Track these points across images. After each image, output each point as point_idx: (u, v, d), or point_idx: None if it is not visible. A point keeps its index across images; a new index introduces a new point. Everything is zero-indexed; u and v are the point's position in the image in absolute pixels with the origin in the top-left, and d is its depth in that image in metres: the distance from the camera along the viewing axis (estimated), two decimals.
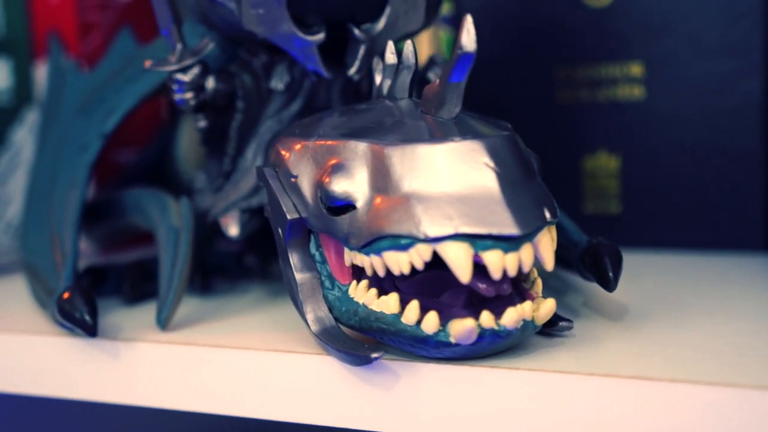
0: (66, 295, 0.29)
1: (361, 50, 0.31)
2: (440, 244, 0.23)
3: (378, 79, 0.29)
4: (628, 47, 0.40)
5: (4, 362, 0.31)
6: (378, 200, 0.24)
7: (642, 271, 0.36)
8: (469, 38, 0.22)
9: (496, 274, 0.23)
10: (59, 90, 0.39)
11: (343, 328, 0.27)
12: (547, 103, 0.42)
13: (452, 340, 0.24)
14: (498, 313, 0.24)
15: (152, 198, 0.33)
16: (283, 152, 0.27)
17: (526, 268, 0.23)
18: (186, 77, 0.30)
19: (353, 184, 0.25)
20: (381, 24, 0.31)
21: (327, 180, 0.25)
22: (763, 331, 0.26)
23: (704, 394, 0.21)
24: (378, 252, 0.24)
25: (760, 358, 0.23)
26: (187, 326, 0.31)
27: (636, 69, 0.40)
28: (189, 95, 0.30)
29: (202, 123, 0.32)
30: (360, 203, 0.24)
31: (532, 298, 0.25)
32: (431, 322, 0.24)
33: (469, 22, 0.22)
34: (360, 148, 0.25)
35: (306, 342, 0.28)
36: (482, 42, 0.42)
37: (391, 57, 0.28)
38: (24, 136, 0.47)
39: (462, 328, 0.23)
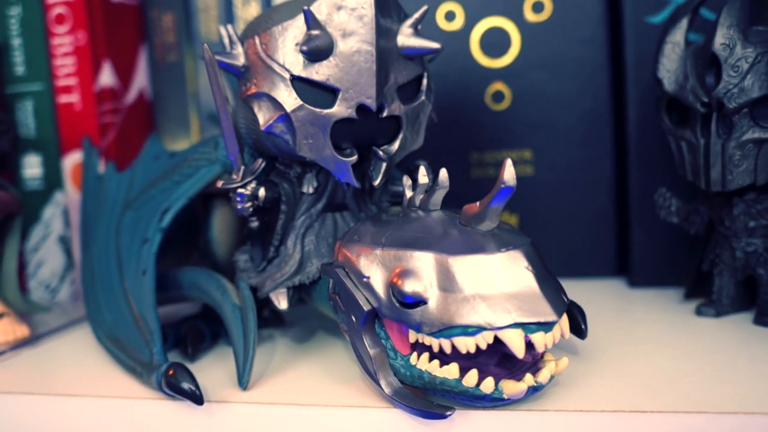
0: (171, 372, 0.32)
1: (383, 167, 0.35)
2: (502, 331, 0.27)
3: (408, 193, 0.34)
4: (521, 138, 0.51)
5: (105, 426, 0.34)
6: (446, 298, 0.28)
7: None
8: (510, 176, 0.27)
9: (540, 349, 0.28)
10: (99, 186, 0.46)
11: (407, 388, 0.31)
12: (463, 179, 0.52)
13: (505, 396, 0.28)
14: (533, 372, 0.29)
15: (210, 278, 0.38)
16: (351, 256, 0.31)
17: (555, 343, 0.28)
18: (247, 191, 0.35)
19: (423, 286, 0.28)
20: (395, 146, 0.35)
21: (400, 282, 0.29)
22: (680, 357, 0.34)
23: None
24: (448, 336, 0.28)
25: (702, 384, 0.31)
26: (258, 384, 0.34)
27: (527, 154, 0.51)
28: (248, 205, 0.35)
29: (255, 224, 0.37)
30: (430, 300, 0.28)
31: (546, 359, 0.30)
32: (489, 385, 0.28)
33: (509, 164, 0.27)
34: (426, 257, 0.29)
35: (368, 395, 0.32)
36: None
37: (423, 178, 0.33)
38: (51, 212, 0.55)
39: (516, 389, 0.28)
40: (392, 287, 0.29)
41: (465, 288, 0.28)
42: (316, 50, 0.33)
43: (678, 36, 0.38)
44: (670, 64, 0.38)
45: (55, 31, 0.53)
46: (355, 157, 0.34)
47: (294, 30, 0.34)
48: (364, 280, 0.30)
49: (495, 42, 0.50)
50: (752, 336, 0.37)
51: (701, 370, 0.33)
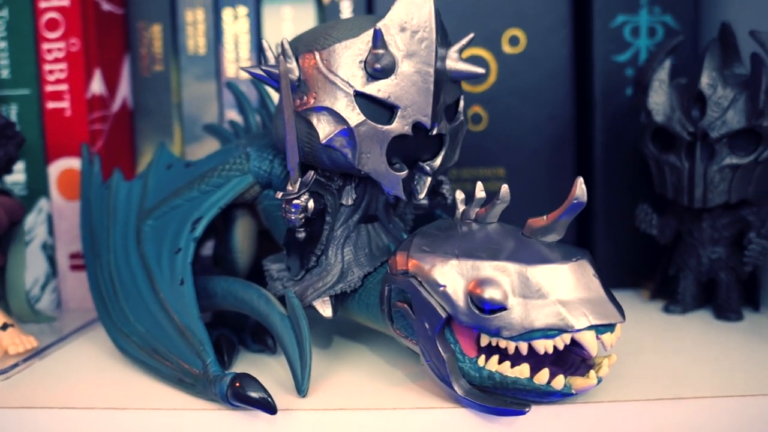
0: (237, 384, 0.31)
1: (428, 181, 0.36)
2: (579, 333, 0.29)
3: (461, 206, 0.35)
4: (496, 157, 0.53)
5: None
6: (526, 304, 0.29)
7: None
8: (582, 192, 0.29)
9: (608, 348, 0.29)
10: (106, 193, 0.43)
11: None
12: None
13: (574, 391, 0.30)
14: (583, 368, 0.30)
15: (249, 288, 0.37)
16: (425, 266, 0.31)
17: (615, 342, 0.30)
18: (301, 202, 0.35)
19: (502, 294, 0.29)
20: (438, 161, 0.36)
21: (479, 291, 0.29)
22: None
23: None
24: (528, 339, 0.29)
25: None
26: (316, 390, 0.34)
27: (501, 171, 0.54)
28: (301, 215, 0.35)
29: (302, 234, 0.36)
30: (510, 307, 0.29)
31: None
32: (560, 381, 0.29)
33: (581, 182, 0.29)
34: (505, 266, 0.30)
35: (427, 396, 0.33)
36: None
37: (481, 193, 0.34)
38: (34, 219, 0.51)
39: (586, 384, 0.30)
40: (471, 295, 0.30)
41: (545, 294, 0.29)
42: (382, 69, 0.33)
43: (663, 75, 0.42)
44: (658, 98, 0.42)
45: (46, 36, 0.49)
46: (405, 172, 0.35)
47: (357, 47, 0.34)
48: (441, 288, 0.31)
49: None
50: (716, 329, 0.42)
51: (679, 359, 0.36)
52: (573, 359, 0.32)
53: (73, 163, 0.50)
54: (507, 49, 0.53)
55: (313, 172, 0.35)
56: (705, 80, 0.40)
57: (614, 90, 0.50)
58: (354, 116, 0.34)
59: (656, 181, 0.44)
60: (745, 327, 0.42)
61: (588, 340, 0.29)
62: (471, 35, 0.37)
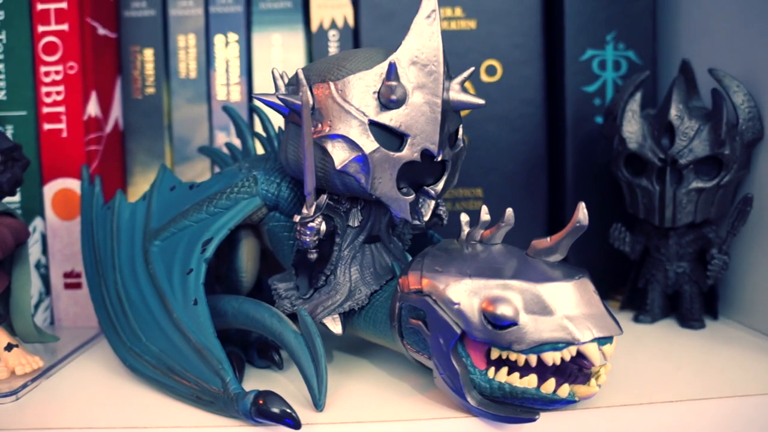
0: (261, 401, 0.32)
1: (432, 204, 0.38)
2: (584, 345, 0.30)
3: (466, 228, 0.36)
4: (474, 178, 0.55)
5: None
6: (536, 320, 0.31)
7: None
8: (583, 216, 0.31)
9: (608, 358, 0.31)
10: (110, 214, 0.44)
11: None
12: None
13: (577, 399, 0.32)
14: (582, 378, 0.32)
15: (260, 307, 0.37)
16: (439, 285, 0.33)
17: (613, 352, 0.32)
18: (315, 224, 0.36)
19: (514, 310, 0.31)
20: (440, 186, 0.38)
21: (492, 308, 0.31)
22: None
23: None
24: (538, 352, 0.30)
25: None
26: (330, 404, 0.35)
27: (479, 191, 0.57)
28: (315, 237, 0.36)
29: (314, 256, 0.37)
30: (521, 322, 0.31)
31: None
32: (565, 390, 0.31)
33: (583, 207, 0.31)
34: (515, 285, 0.31)
35: (439, 405, 0.34)
36: None
37: (486, 216, 0.36)
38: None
39: (589, 392, 0.32)
40: (485, 312, 0.31)
41: (553, 311, 0.31)
42: (396, 100, 0.35)
43: (635, 106, 0.46)
44: (631, 127, 0.45)
45: (44, 59, 0.49)
46: (413, 196, 0.37)
47: (370, 79, 0.36)
48: (455, 306, 0.32)
49: None
50: (682, 336, 0.45)
51: (657, 364, 0.39)
52: (570, 368, 0.33)
53: (69, 183, 0.50)
54: (485, 78, 0.56)
55: (325, 196, 0.37)
56: (674, 112, 0.43)
57: (584, 117, 0.53)
58: (368, 144, 0.36)
59: (628, 202, 0.47)
60: (707, 334, 0.45)
61: (592, 351, 0.31)
62: (471, 69, 0.39)
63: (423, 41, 0.36)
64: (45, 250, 0.51)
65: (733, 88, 0.43)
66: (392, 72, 0.35)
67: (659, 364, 0.40)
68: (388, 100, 0.35)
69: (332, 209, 0.38)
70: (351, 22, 0.55)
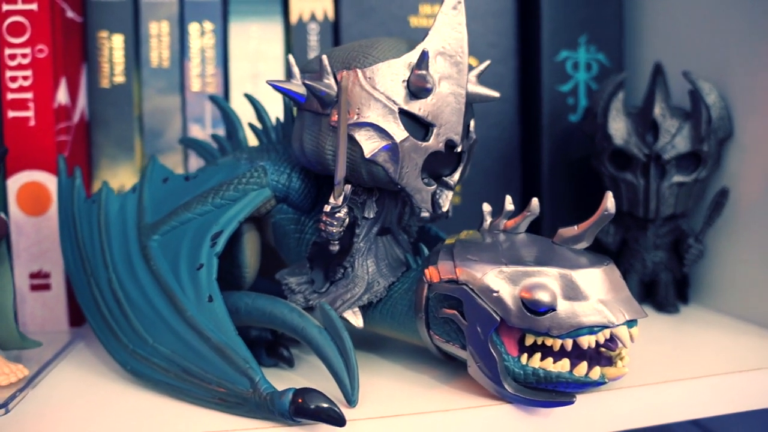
0: (300, 400, 0.30)
1: (450, 195, 0.37)
2: (616, 328, 0.31)
3: (488, 218, 0.36)
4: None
5: None
6: (572, 305, 0.31)
7: None
8: (611, 204, 0.32)
9: (635, 340, 0.32)
10: (95, 208, 0.40)
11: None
12: None
13: (607, 380, 0.32)
14: (604, 360, 0.33)
15: (276, 303, 0.36)
16: (476, 274, 0.33)
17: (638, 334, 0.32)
18: (342, 214, 0.35)
19: (551, 296, 0.31)
20: (457, 176, 0.37)
21: (530, 295, 0.31)
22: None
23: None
24: (575, 336, 0.31)
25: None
26: (361, 399, 0.33)
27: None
28: (341, 228, 0.35)
29: (336, 247, 0.36)
30: (558, 308, 0.31)
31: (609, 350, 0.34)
32: (597, 372, 0.32)
33: (611, 196, 0.32)
34: (552, 272, 0.32)
35: (467, 394, 0.34)
36: None
37: (510, 206, 0.36)
38: None
39: (619, 373, 0.32)
40: (523, 299, 0.31)
41: (587, 296, 0.31)
42: (428, 88, 0.34)
43: (618, 104, 0.47)
44: (616, 125, 0.47)
45: (9, 41, 0.44)
46: (434, 186, 0.36)
47: (398, 68, 0.35)
48: (494, 294, 0.32)
49: None
50: (659, 321, 0.47)
51: (644, 347, 0.40)
52: (590, 352, 0.34)
53: (37, 176, 0.45)
54: None
55: (350, 187, 0.35)
56: (657, 110, 0.45)
57: (559, 115, 0.55)
58: (399, 132, 0.35)
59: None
60: (682, 318, 0.48)
61: (623, 333, 0.32)
62: (488, 62, 0.39)
63: (449, 32, 0.35)
64: (8, 249, 0.46)
65: (706, 89, 0.46)
66: (424, 61, 0.34)
67: (643, 347, 0.41)
68: (420, 89, 0.34)
69: (351, 200, 0.37)
70: (331, 15, 0.54)
